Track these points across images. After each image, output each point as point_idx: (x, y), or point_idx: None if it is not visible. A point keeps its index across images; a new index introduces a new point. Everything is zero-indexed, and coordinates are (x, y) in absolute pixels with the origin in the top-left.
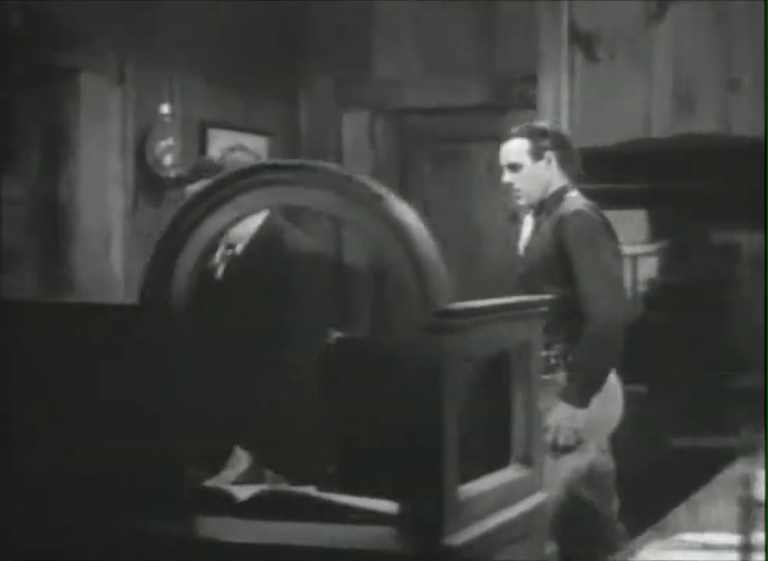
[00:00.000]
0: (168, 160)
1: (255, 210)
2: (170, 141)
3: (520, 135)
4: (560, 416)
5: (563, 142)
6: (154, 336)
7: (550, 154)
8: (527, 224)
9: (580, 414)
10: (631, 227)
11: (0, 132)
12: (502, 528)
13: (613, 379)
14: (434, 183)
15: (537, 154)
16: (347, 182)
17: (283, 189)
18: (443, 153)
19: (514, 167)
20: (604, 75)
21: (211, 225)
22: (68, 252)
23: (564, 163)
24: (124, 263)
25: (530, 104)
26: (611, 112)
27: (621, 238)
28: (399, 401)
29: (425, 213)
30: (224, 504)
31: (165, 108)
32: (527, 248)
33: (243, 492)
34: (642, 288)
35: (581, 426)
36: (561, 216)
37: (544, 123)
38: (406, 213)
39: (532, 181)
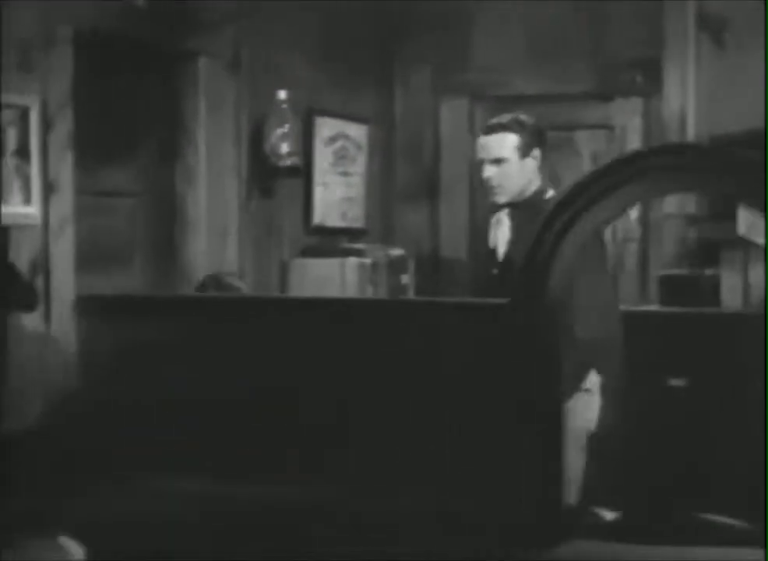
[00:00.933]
0: (284, 148)
1: (642, 201)
2: (286, 128)
3: (508, 128)
4: None
5: (546, 141)
6: (528, 332)
7: (537, 152)
8: (501, 224)
9: None
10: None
11: (119, 123)
12: None
13: (593, 379)
14: None
15: (524, 151)
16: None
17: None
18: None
19: (498, 162)
20: (732, 62)
21: (591, 220)
22: (183, 245)
23: (545, 162)
24: (239, 256)
25: (637, 91)
26: (737, 100)
27: (759, 230)
28: None
29: None
30: (592, 527)
31: (282, 94)
32: (508, 249)
33: (608, 514)
34: None
35: None
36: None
37: (527, 116)
38: None
39: (515, 179)
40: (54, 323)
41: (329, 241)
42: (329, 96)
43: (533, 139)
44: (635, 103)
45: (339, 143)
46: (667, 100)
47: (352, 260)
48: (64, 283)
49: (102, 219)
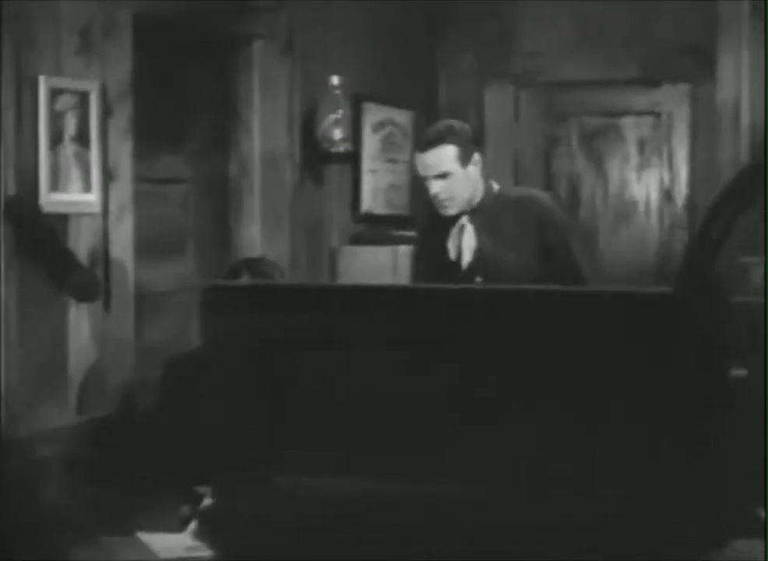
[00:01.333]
0: (337, 134)
1: None
2: (339, 114)
3: (444, 140)
4: None
5: (478, 135)
6: (700, 322)
7: (476, 157)
8: (464, 231)
9: None
10: None
11: (174, 108)
12: None
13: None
14: (582, 158)
15: (465, 159)
16: None
17: None
18: (592, 127)
19: (443, 176)
20: None
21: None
22: (237, 233)
23: (485, 162)
24: (291, 244)
25: (685, 78)
26: None
27: None
28: None
29: (573, 189)
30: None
31: (335, 80)
32: (477, 256)
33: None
34: None
35: None
36: (538, 210)
37: (457, 122)
38: None
39: (464, 188)
40: (114, 314)
41: (377, 229)
42: (376, 81)
43: (470, 144)
44: (683, 89)
45: (387, 130)
46: (720, 87)
47: (404, 248)
48: (123, 272)
49: (156, 207)
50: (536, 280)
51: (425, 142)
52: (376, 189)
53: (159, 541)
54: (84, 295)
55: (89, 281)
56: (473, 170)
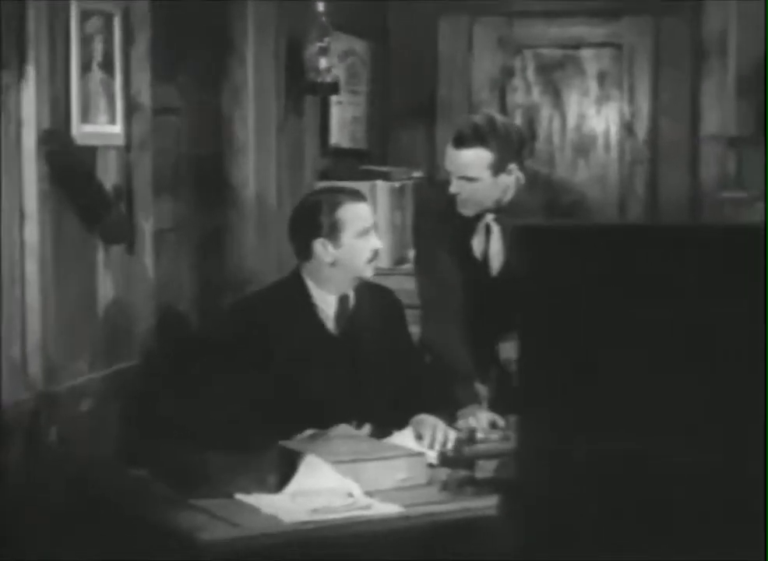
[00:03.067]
0: (323, 63)
1: None
2: (324, 42)
3: (482, 142)
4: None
5: (524, 141)
6: None
7: (513, 166)
8: (491, 231)
9: None
10: None
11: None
12: None
13: None
14: (538, 91)
15: (499, 167)
16: None
17: None
18: (550, 59)
19: (468, 180)
20: None
21: None
22: (231, 167)
23: (523, 171)
24: (277, 178)
25: (648, 9)
26: None
27: None
28: None
29: (529, 122)
30: None
31: (320, 6)
32: (505, 260)
33: None
34: None
35: None
36: (571, 210)
37: (503, 120)
38: None
39: (488, 194)
40: (137, 256)
41: (343, 163)
42: (338, 9)
43: (510, 153)
44: (646, 21)
45: (350, 60)
46: (707, 20)
47: (382, 183)
48: (146, 211)
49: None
50: None
51: (461, 137)
52: (343, 122)
53: (267, 503)
54: (115, 236)
55: (121, 221)
56: (505, 179)
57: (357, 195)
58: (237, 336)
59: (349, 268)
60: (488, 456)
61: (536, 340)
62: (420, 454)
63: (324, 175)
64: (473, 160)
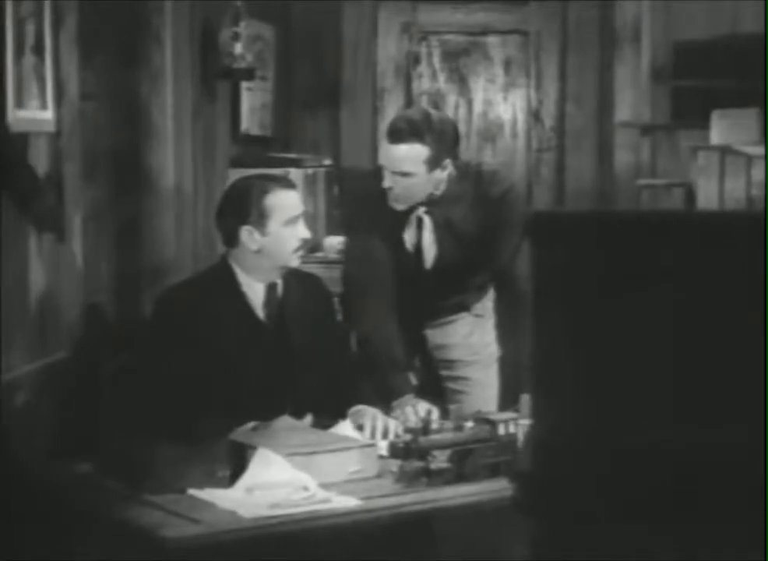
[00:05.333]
0: (238, 48)
1: None
2: (240, 27)
3: (418, 137)
4: None
5: (459, 137)
6: None
7: (447, 162)
8: (423, 224)
9: None
10: (742, 126)
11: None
12: None
13: None
14: (444, 78)
15: (434, 163)
16: None
17: None
18: (455, 46)
19: (403, 175)
20: None
21: None
22: (148, 154)
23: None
24: (194, 166)
25: None
26: (695, 5)
27: (733, 137)
28: None
29: (435, 108)
30: None
31: None
32: (439, 252)
33: None
34: (755, 192)
35: None
36: (502, 200)
37: (439, 114)
38: None
39: (423, 189)
40: (66, 244)
41: (253, 150)
42: None
43: (446, 148)
44: (553, 7)
45: (258, 45)
46: (620, 4)
47: (295, 171)
48: (75, 199)
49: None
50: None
51: (397, 131)
52: (252, 108)
53: (222, 497)
54: (48, 224)
55: (53, 209)
56: (439, 174)
57: (287, 183)
58: (167, 326)
59: (275, 256)
60: (443, 446)
61: (549, 331)
62: (372, 445)
63: (236, 163)
64: (409, 155)
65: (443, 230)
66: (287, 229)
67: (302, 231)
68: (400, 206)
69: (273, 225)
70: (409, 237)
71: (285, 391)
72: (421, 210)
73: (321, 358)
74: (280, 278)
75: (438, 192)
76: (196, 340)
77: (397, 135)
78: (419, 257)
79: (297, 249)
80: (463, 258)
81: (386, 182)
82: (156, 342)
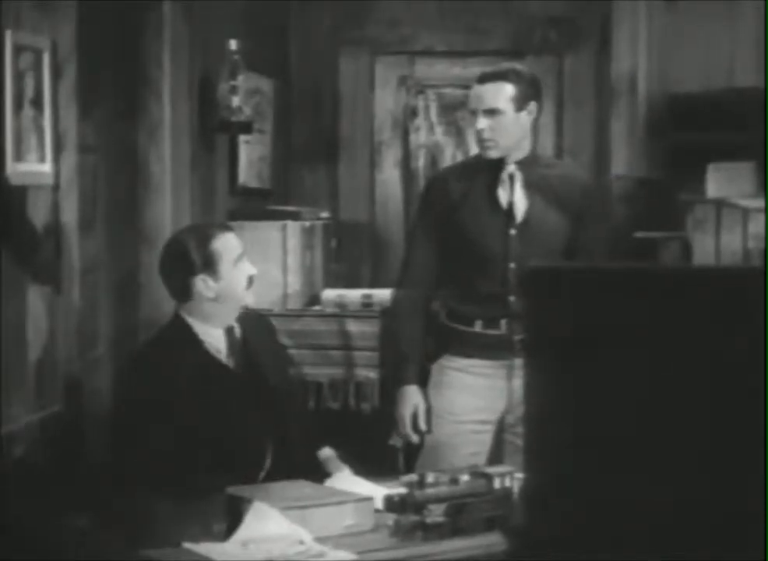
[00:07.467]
0: (236, 101)
1: None
2: (238, 81)
3: (504, 78)
4: None
5: (542, 95)
6: None
7: (533, 106)
8: (515, 180)
9: None
10: (737, 180)
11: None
12: None
13: None
14: (441, 130)
15: (520, 103)
16: None
17: None
18: (453, 98)
19: (492, 113)
20: (685, 17)
21: None
22: (146, 205)
23: (539, 117)
24: (192, 217)
25: (551, 49)
26: (694, 58)
27: (728, 190)
28: None
29: (432, 161)
30: None
31: (233, 44)
32: (528, 209)
33: None
34: (752, 244)
35: None
36: (583, 187)
37: (523, 67)
38: None
39: (511, 132)
40: (64, 296)
41: (251, 203)
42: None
43: (530, 91)
44: (549, 61)
45: (256, 98)
46: (616, 58)
47: (293, 223)
48: (71, 252)
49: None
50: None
51: (483, 75)
52: (250, 161)
53: (218, 551)
54: (45, 277)
55: (50, 261)
56: (525, 118)
57: (224, 226)
58: (139, 393)
59: (232, 298)
60: (439, 500)
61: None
62: (369, 499)
63: (234, 215)
64: (498, 91)
65: (534, 188)
66: (237, 269)
67: (249, 268)
68: (493, 154)
69: (224, 268)
70: (503, 194)
71: (268, 434)
72: (513, 167)
73: (291, 395)
74: (235, 321)
75: (526, 144)
76: (171, 402)
77: (485, 77)
78: (512, 213)
79: (248, 287)
80: (552, 219)
81: (479, 124)
82: (133, 410)
